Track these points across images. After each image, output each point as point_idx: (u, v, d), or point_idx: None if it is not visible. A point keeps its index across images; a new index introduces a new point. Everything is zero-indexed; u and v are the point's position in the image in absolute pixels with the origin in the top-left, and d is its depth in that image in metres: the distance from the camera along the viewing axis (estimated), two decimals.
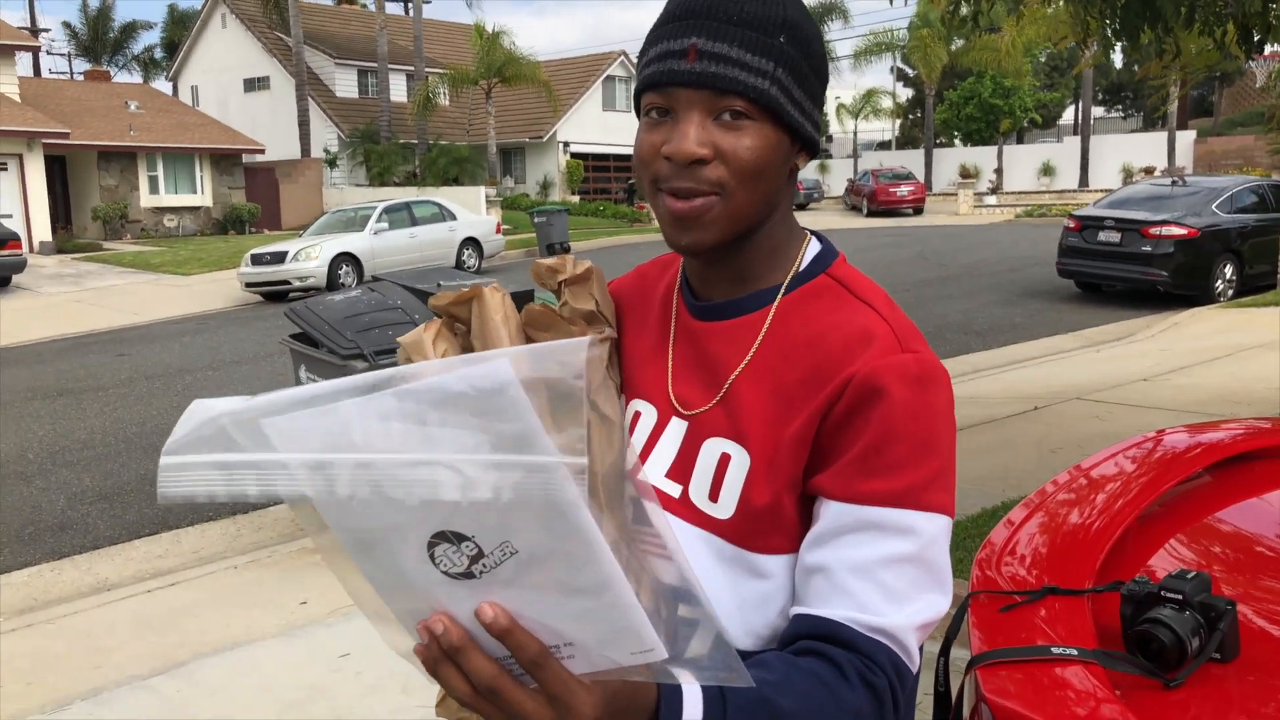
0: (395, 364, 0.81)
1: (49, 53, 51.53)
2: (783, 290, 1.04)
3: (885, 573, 0.91)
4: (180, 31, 45.45)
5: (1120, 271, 12.52)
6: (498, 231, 21.12)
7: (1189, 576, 1.49)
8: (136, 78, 49.07)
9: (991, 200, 34.59)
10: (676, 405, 1.06)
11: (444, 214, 19.96)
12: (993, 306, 12.71)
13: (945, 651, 1.64)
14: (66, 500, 6.40)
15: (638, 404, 1.10)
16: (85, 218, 27.37)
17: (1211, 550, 2.02)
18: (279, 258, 17.17)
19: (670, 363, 1.09)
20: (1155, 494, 2.17)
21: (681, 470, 1.04)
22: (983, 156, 42.57)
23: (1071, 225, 13.11)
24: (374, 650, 3.68)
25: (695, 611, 0.89)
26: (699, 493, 1.01)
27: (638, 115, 1.06)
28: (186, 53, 40.87)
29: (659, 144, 0.99)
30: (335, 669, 3.79)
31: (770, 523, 0.97)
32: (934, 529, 0.93)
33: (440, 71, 33.48)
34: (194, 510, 6.07)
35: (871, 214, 32.76)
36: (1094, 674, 1.45)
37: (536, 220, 22.33)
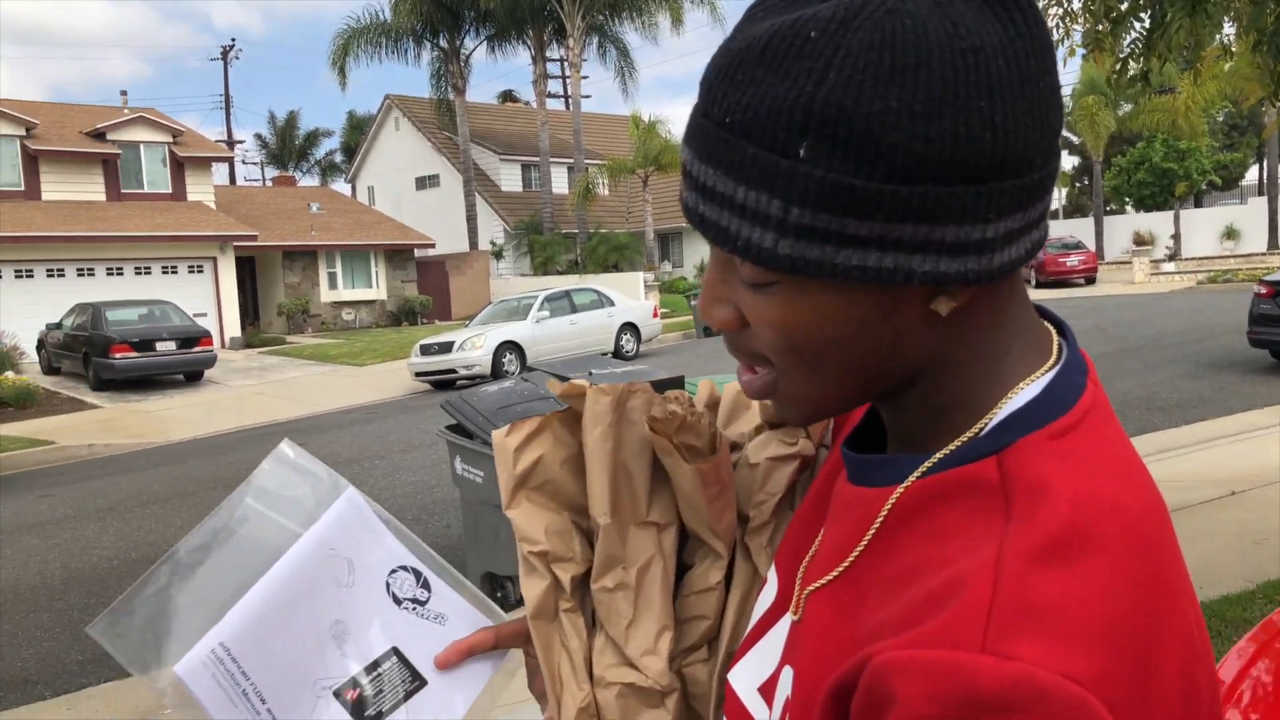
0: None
1: (244, 162, 56.02)
2: (923, 469, 0.62)
3: None
4: (357, 136, 48.58)
5: None
6: (655, 316, 21.31)
7: None
8: (318, 181, 52.62)
9: (1170, 267, 32.69)
10: (796, 596, 0.70)
11: (602, 300, 20.32)
12: (1178, 380, 11.86)
13: None
14: None
15: (772, 569, 0.78)
16: (271, 313, 29.22)
17: None
18: (446, 348, 17.78)
19: (825, 527, 0.71)
20: None
21: (770, 691, 0.70)
22: (1157, 222, 40.48)
23: (1263, 291, 12.15)
24: None
25: None
26: None
27: None
28: (363, 155, 43.62)
29: None
30: None
31: None
32: None
33: (599, 163, 34.54)
34: None
35: (1041, 285, 31.48)
36: None
37: (693, 303, 22.49)
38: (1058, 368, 0.64)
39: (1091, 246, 36.23)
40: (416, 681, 0.83)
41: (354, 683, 0.82)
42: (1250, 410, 9.87)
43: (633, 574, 0.82)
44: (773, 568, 0.76)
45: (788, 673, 0.66)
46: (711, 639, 0.82)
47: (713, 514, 0.81)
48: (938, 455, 0.62)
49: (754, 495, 0.84)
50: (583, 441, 0.84)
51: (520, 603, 0.83)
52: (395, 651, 0.83)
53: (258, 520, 0.85)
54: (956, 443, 0.62)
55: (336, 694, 0.82)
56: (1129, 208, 44.88)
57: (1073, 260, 31.45)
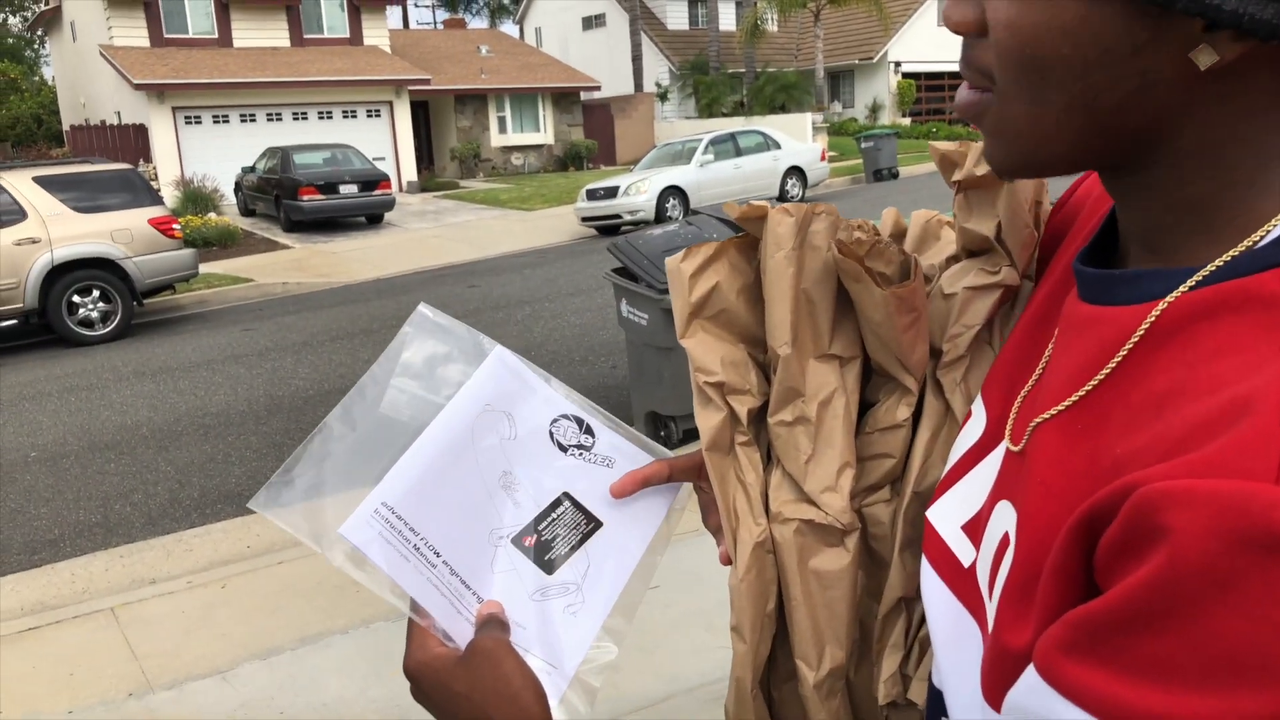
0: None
1: (416, 5, 56.43)
2: (1191, 283, 0.55)
3: None
4: None
5: None
6: (823, 159, 20.72)
7: None
8: (487, 23, 52.59)
9: None
10: (1012, 426, 0.67)
11: (768, 143, 19.86)
12: None
13: None
14: None
15: (976, 401, 0.74)
16: (444, 158, 29.94)
17: None
18: (611, 193, 17.89)
19: (1048, 354, 0.67)
20: None
21: (977, 528, 0.67)
22: None
23: None
24: (683, 586, 3.80)
25: None
26: (984, 575, 0.64)
27: None
28: None
29: None
30: (645, 600, 3.94)
31: (1010, 675, 0.56)
32: None
33: None
34: None
35: None
36: None
37: (863, 146, 21.70)
38: None
39: None
40: (592, 524, 0.83)
41: (531, 528, 0.82)
42: None
43: (813, 408, 0.78)
44: (979, 401, 0.72)
45: (1004, 508, 0.63)
46: (895, 479, 0.79)
47: (904, 345, 0.76)
48: (1211, 266, 0.55)
49: (949, 327, 0.77)
50: (762, 267, 0.78)
51: (683, 441, 0.84)
52: (567, 496, 0.83)
53: (408, 394, 0.83)
54: (1232, 252, 0.54)
55: (515, 542, 0.81)
56: None
57: None
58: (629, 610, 0.83)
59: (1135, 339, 0.57)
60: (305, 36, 27.09)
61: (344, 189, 19.69)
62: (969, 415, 0.73)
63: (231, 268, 16.31)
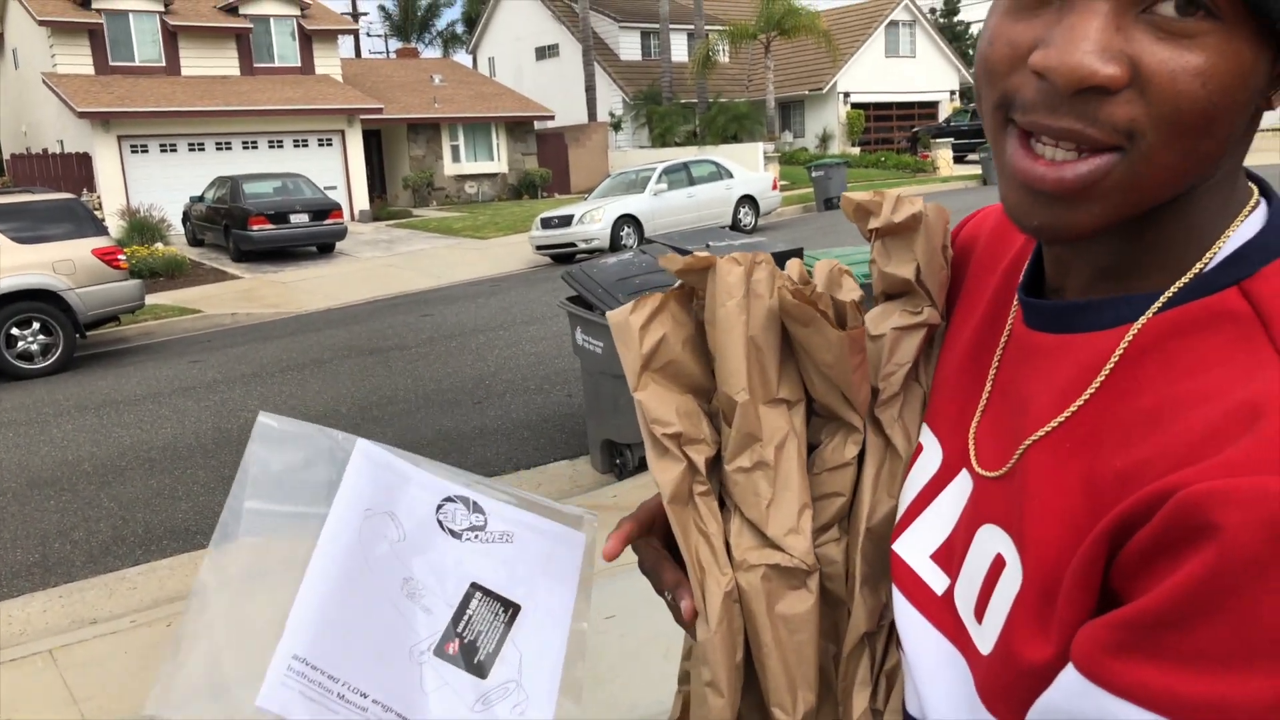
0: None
1: (368, 34, 56.38)
2: (1158, 305, 0.60)
3: None
4: (478, 6, 48.16)
5: None
6: (774, 188, 20.91)
7: None
8: (440, 53, 52.66)
9: None
10: (972, 454, 0.70)
11: (721, 172, 20.01)
12: None
13: None
14: None
15: (925, 434, 0.77)
16: (397, 186, 29.80)
17: None
18: (566, 221, 17.89)
19: (989, 386, 0.71)
20: None
21: (950, 556, 0.69)
22: None
23: None
24: (638, 614, 3.75)
25: None
26: (965, 600, 0.66)
27: None
28: (484, 26, 43.32)
29: (1026, 44, 0.58)
30: (600, 630, 3.90)
31: (1034, 692, 0.58)
32: None
33: (720, 29, 33.51)
34: (481, 464, 6.47)
35: None
36: None
37: (814, 175, 21.98)
38: (1266, 204, 0.63)
39: None
40: (510, 609, 0.79)
41: (450, 633, 0.76)
42: None
43: (770, 452, 0.78)
44: (928, 434, 0.76)
45: (989, 532, 0.65)
46: (844, 517, 0.79)
47: (854, 384, 0.77)
48: (1171, 290, 0.60)
49: (882, 367, 0.80)
50: (709, 317, 0.79)
51: (640, 469, 0.83)
52: (476, 587, 0.78)
53: (274, 516, 0.76)
54: (1187, 277, 0.60)
55: (438, 653, 0.76)
56: None
57: None
58: (575, 690, 0.79)
59: (1115, 360, 0.60)
60: (255, 65, 26.89)
61: (295, 218, 19.50)
62: (920, 449, 0.76)
63: (179, 298, 16.04)
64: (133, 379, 10.56)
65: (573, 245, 17.60)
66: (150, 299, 14.22)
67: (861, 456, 0.80)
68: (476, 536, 0.80)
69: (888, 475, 0.78)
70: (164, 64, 25.62)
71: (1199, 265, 0.60)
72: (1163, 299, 0.60)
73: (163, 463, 7.25)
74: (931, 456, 0.74)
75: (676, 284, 0.82)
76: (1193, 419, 0.55)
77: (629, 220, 18.10)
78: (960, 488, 0.70)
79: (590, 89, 34.30)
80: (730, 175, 20.03)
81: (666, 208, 18.55)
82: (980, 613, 0.64)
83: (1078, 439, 0.61)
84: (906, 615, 0.71)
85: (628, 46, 38.53)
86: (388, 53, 52.26)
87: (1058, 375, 0.64)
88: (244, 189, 19.72)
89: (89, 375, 11.00)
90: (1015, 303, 0.72)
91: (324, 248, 20.39)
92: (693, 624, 0.77)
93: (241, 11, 26.47)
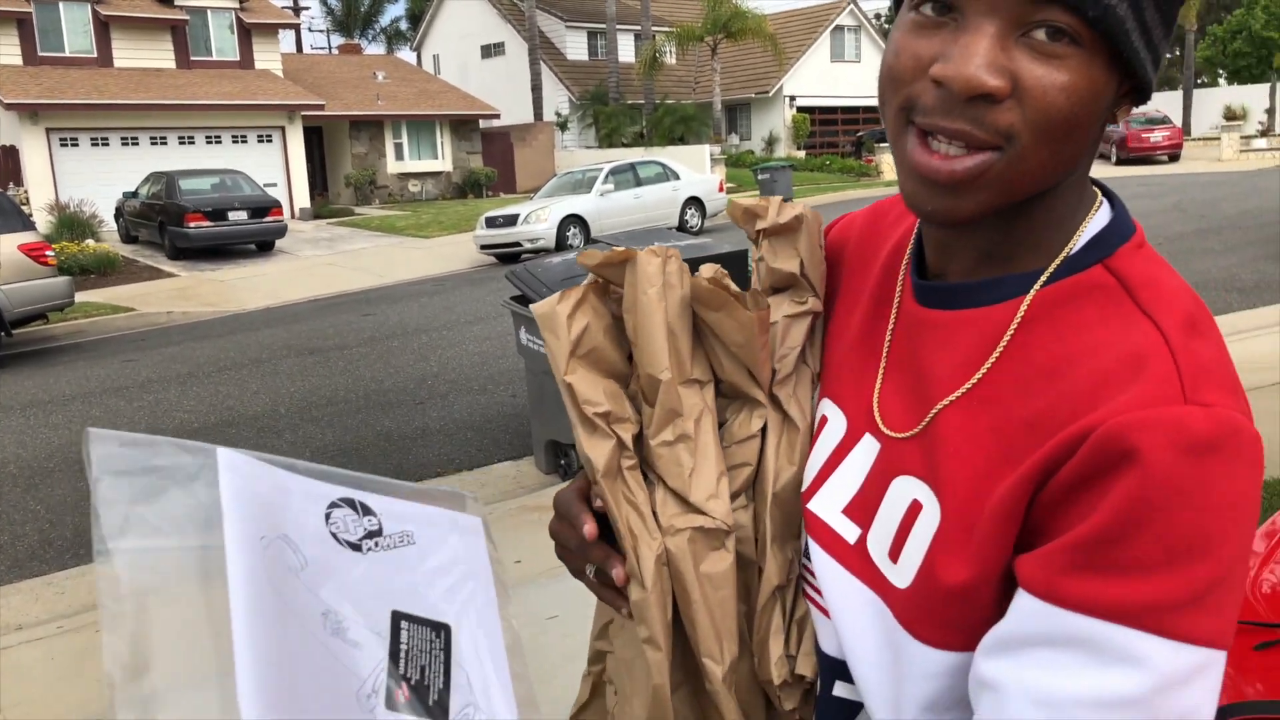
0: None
1: (310, 30, 55.59)
2: (1041, 281, 0.73)
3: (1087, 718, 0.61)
4: (423, 2, 47.74)
5: None
6: (720, 190, 20.99)
7: None
8: (384, 50, 52.08)
9: (1261, 144, 31.13)
10: (878, 419, 0.80)
11: (667, 174, 20.04)
12: (1260, 261, 11.44)
13: None
14: (311, 454, 6.88)
15: (827, 406, 0.87)
16: (339, 184, 29.40)
17: None
18: (511, 220, 17.79)
19: (884, 359, 0.82)
20: None
21: (863, 508, 0.79)
22: (1252, 96, 38.41)
23: None
24: (581, 614, 3.72)
25: (856, 693, 0.80)
26: (879, 544, 0.77)
27: (896, 6, 0.75)
28: (428, 23, 42.93)
29: (928, 57, 0.68)
30: (542, 630, 3.86)
31: (956, 610, 0.70)
32: (1181, 667, 0.60)
33: (667, 30, 33.56)
34: (423, 466, 6.39)
35: (1121, 162, 30.27)
36: None
37: (760, 178, 22.13)
38: (1109, 203, 0.77)
39: (1178, 121, 34.60)
40: (440, 631, 0.76)
41: (395, 677, 0.72)
42: None
43: (690, 425, 0.85)
44: (830, 405, 0.86)
45: (904, 483, 0.76)
46: (750, 485, 0.87)
47: (761, 363, 0.86)
48: (1052, 267, 0.73)
49: (776, 351, 0.89)
50: (630, 305, 0.86)
51: (583, 469, 0.86)
52: (399, 615, 0.74)
53: (152, 555, 0.65)
54: (1060, 257, 0.74)
55: (391, 706, 0.71)
56: (1222, 80, 42.60)
57: (1156, 136, 30.10)
58: (529, 699, 0.78)
59: (1014, 328, 0.73)
60: (192, 58, 26.33)
61: (233, 215, 19.13)
62: (824, 420, 0.86)
63: (111, 296, 15.64)
64: (62, 379, 10.26)
65: (518, 245, 17.49)
66: (81, 297, 13.85)
67: (764, 431, 0.88)
68: (377, 544, 0.75)
69: (787, 445, 0.86)
70: (95, 55, 24.99)
71: (1067, 249, 0.74)
72: (1045, 275, 0.73)
73: None
74: (836, 425, 0.84)
75: (590, 279, 0.89)
76: (1086, 370, 0.67)
77: (575, 220, 18.04)
78: (866, 449, 0.81)
79: (537, 88, 34.16)
80: (677, 177, 20.07)
81: (613, 208, 18.52)
82: (895, 553, 0.75)
83: (986, 397, 0.72)
84: (824, 564, 0.81)
85: (574, 46, 38.44)
86: (330, 48, 51.59)
87: (960, 345, 0.75)
88: (180, 185, 19.30)
89: (15, 375, 10.66)
90: (899, 286, 0.84)
91: (263, 246, 20.03)
92: (616, 596, 0.84)
93: (177, 3, 25.90)
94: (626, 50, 36.62)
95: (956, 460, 0.72)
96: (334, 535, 0.73)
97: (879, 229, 0.91)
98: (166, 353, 11.43)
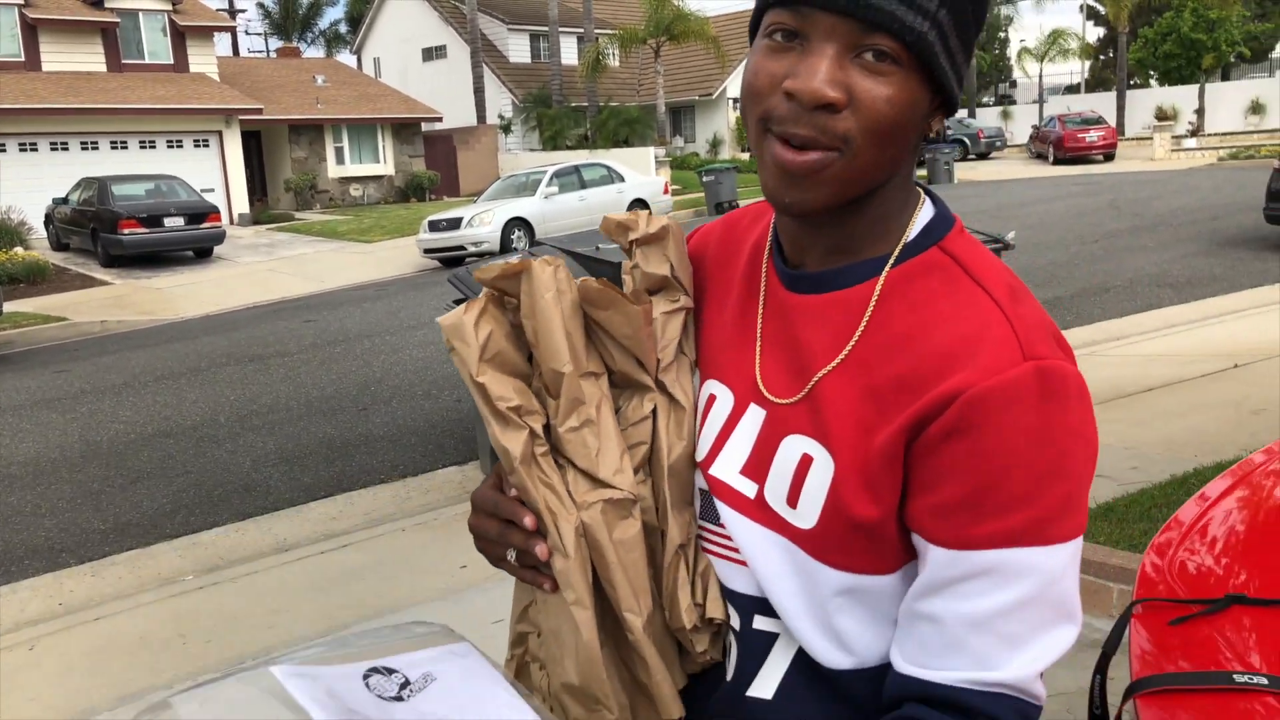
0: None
1: (246, 33, 54.68)
2: (890, 263, 0.89)
3: (1006, 622, 0.81)
4: (362, 5, 47.25)
5: None
6: (666, 192, 21.05)
7: None
8: (323, 53, 51.45)
9: (1191, 143, 32.00)
10: (762, 390, 0.94)
11: (612, 176, 20.05)
12: (1191, 257, 11.75)
13: (1102, 669, 1.43)
14: (251, 463, 6.78)
15: (713, 385, 0.99)
16: (279, 189, 28.98)
17: None
18: (454, 224, 17.67)
19: (759, 340, 0.97)
20: None
21: (757, 467, 0.93)
22: (1182, 96, 39.44)
23: None
24: None
25: (773, 624, 0.94)
26: (776, 495, 0.91)
27: (752, 36, 0.89)
28: (368, 26, 42.49)
29: (780, 75, 0.83)
30: (489, 635, 3.83)
31: (864, 540, 0.86)
32: (1059, 561, 0.81)
33: (610, 32, 33.58)
34: (366, 473, 6.31)
35: (1058, 162, 30.91)
36: None
37: (705, 179, 22.18)
38: (930, 200, 0.94)
39: (1112, 122, 35.40)
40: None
41: None
42: (1261, 286, 9.81)
43: (593, 411, 0.96)
44: (717, 385, 0.99)
45: (794, 441, 0.90)
46: (647, 462, 0.98)
47: (648, 352, 0.97)
48: (896, 251, 0.89)
49: (658, 342, 1.00)
50: (529, 309, 0.95)
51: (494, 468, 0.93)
52: None
53: None
54: (900, 244, 0.90)
55: None
56: (1153, 81, 43.70)
57: (1092, 136, 30.77)
58: None
59: (873, 304, 0.88)
60: (124, 62, 25.76)
61: (169, 221, 18.75)
62: (713, 398, 0.98)
63: (42, 306, 15.26)
64: None
65: (462, 248, 17.38)
66: (9, 306, 13.50)
67: (655, 413, 0.99)
68: (412, 693, 0.86)
69: (676, 423, 0.97)
70: (23, 59, 24.34)
71: (904, 237, 0.90)
72: (892, 259, 0.89)
73: (24, 479, 6.86)
74: (724, 401, 0.97)
75: (486, 292, 0.98)
76: (940, 335, 0.83)
77: (520, 223, 17.99)
78: (753, 418, 0.94)
79: (479, 91, 33.96)
80: (622, 179, 20.09)
81: (558, 211, 18.48)
82: (793, 500, 0.89)
83: (858, 364, 0.87)
84: (732, 519, 0.94)
85: (517, 49, 38.30)
86: (268, 52, 50.85)
87: (830, 323, 0.90)
88: (113, 191, 18.88)
89: None
90: (764, 278, 0.98)
91: (201, 252, 19.66)
92: (538, 575, 0.94)
93: (107, 5, 25.33)
94: (569, 53, 36.58)
95: (840, 418, 0.87)
96: (380, 697, 0.85)
97: (735, 234, 1.06)
98: (101, 363, 11.18)
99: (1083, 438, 0.81)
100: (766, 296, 0.97)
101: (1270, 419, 5.26)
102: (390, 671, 0.87)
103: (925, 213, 0.92)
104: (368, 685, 0.85)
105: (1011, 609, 0.80)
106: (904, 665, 0.85)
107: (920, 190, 0.94)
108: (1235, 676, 1.30)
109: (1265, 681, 1.28)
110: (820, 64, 0.80)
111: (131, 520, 5.88)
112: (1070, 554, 0.81)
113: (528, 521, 0.92)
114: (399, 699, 0.85)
